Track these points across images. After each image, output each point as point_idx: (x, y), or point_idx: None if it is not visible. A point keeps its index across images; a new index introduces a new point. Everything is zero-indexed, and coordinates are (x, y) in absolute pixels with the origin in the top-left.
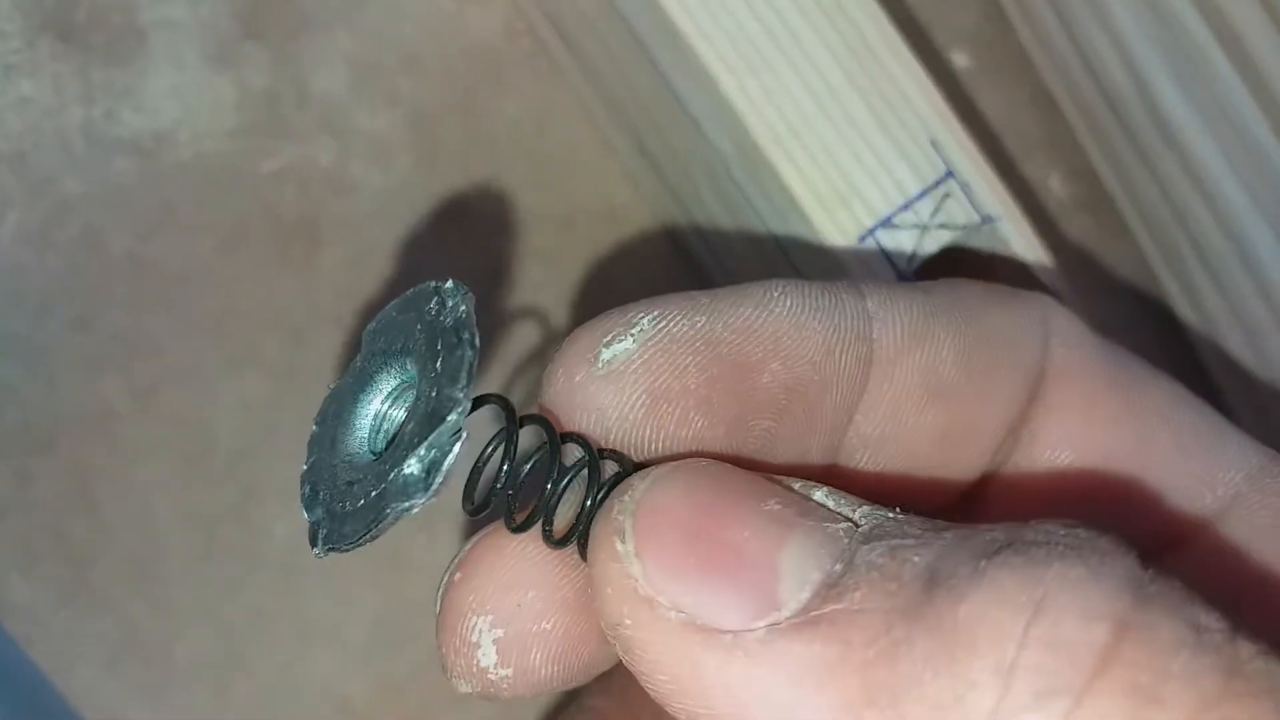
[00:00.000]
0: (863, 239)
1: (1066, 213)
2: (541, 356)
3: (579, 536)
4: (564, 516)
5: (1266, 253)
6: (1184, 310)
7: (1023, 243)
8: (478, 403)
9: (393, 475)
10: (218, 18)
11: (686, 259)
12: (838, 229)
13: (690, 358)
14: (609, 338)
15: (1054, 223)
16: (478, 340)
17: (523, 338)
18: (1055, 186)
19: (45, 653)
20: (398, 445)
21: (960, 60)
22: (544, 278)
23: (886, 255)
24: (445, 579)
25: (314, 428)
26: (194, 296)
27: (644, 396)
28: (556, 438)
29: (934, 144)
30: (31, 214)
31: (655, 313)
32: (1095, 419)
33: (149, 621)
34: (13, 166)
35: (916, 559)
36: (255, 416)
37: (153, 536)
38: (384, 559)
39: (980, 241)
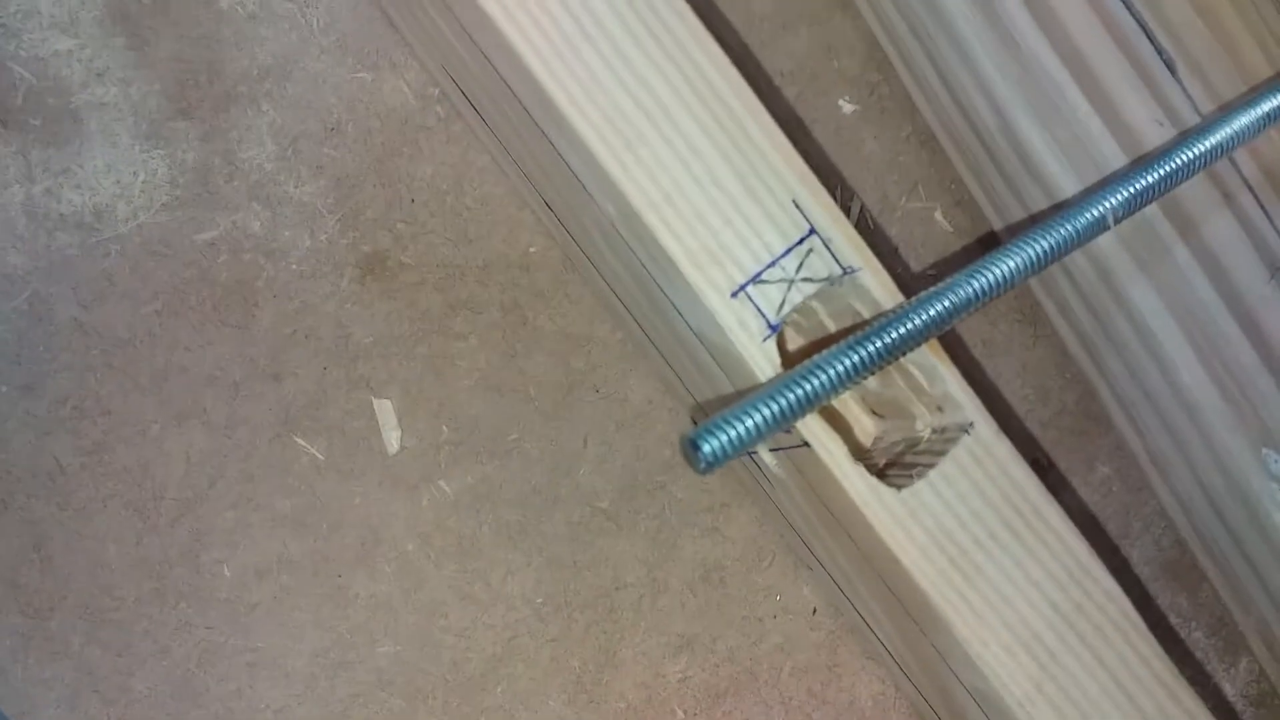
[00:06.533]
0: (735, 295)
1: (952, 240)
2: (471, 398)
3: None
4: None
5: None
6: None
7: (881, 290)
8: None
9: None
10: (147, 97)
11: (598, 299)
12: (711, 286)
13: None
14: None
15: (943, 251)
16: None
17: (453, 381)
18: (940, 219)
19: (7, 698)
20: None
21: (846, 106)
22: (467, 325)
23: (758, 308)
24: None
25: None
26: (137, 358)
27: None
28: None
29: (796, 203)
30: None
31: None
32: None
33: (106, 663)
34: None
35: None
36: (199, 467)
37: (106, 584)
38: (324, 594)
39: (843, 291)
